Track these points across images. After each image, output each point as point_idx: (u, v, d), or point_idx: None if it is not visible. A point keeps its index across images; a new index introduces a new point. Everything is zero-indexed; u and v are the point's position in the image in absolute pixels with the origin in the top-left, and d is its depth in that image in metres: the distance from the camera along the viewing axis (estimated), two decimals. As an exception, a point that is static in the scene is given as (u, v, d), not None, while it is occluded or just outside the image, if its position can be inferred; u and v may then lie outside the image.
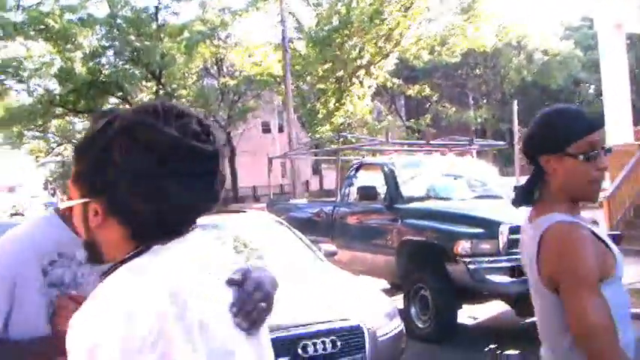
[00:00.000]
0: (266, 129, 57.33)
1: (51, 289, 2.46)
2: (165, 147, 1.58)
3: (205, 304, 1.62)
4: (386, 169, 11.20)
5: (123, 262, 1.63)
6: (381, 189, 11.00)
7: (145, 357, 1.47)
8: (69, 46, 35.79)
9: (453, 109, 51.27)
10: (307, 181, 51.84)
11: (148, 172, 1.56)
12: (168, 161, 1.58)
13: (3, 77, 38.71)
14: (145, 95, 42.73)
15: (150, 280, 1.55)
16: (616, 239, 10.33)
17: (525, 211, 2.70)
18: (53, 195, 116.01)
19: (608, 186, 19.96)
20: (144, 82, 42.52)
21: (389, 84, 35.38)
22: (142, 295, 1.52)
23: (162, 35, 39.28)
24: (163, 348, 1.49)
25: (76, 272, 2.50)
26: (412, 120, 47.41)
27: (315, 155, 26.50)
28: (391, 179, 10.94)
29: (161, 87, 41.54)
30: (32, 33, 33.88)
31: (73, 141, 69.23)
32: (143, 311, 1.49)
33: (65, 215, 2.46)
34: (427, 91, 37.54)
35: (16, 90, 43.27)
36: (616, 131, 19.35)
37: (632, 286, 11.34)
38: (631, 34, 29.39)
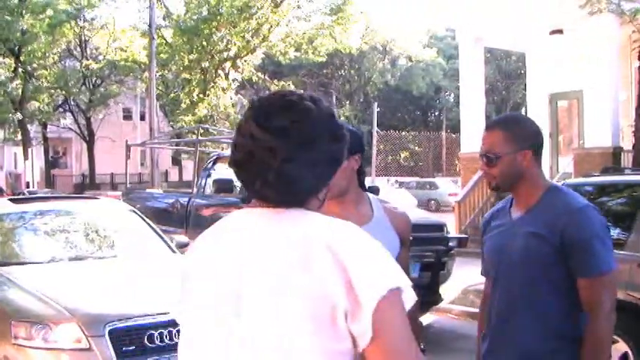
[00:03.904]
0: (127, 115, 56.31)
1: None
2: None
3: None
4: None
5: None
6: (238, 182, 10.92)
7: None
8: None
9: (316, 107, 51.69)
10: (167, 171, 51.26)
11: None
12: None
13: None
14: (1, 72, 41.14)
15: None
16: (462, 242, 10.78)
17: None
18: None
19: (459, 191, 20.73)
20: (1, 59, 40.90)
21: (254, 78, 35.38)
22: None
23: (23, 11, 37.79)
24: None
25: None
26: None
27: (176, 145, 26.17)
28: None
29: (20, 65, 40.05)
30: None
31: None
32: None
33: None
34: (291, 87, 37.77)
35: None
36: (470, 139, 20.05)
37: (479, 286, 11.77)
38: (490, 48, 30.52)
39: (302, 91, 1.92)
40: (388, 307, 1.67)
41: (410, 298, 1.77)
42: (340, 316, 1.68)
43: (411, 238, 3.24)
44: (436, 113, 62.92)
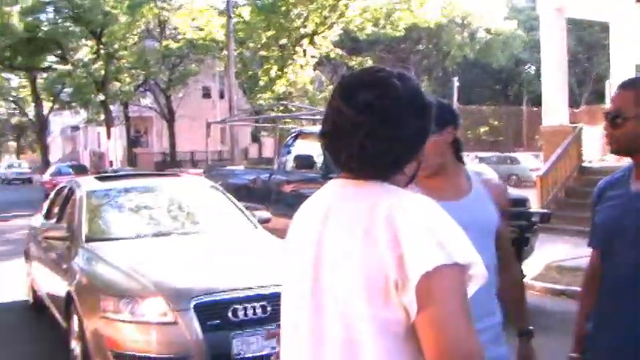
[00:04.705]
0: (207, 94, 56.86)
1: None
2: None
3: None
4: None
5: None
6: (318, 158, 10.98)
7: None
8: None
9: (395, 83, 51.38)
10: (246, 148, 51.70)
11: None
12: None
13: None
14: (84, 55, 42.00)
15: None
16: (544, 217, 10.57)
17: None
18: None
19: (541, 166, 20.37)
20: (84, 41, 41.75)
21: (332, 54, 35.34)
22: None
23: (104, -6, 38.51)
24: None
25: None
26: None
27: (256, 122, 26.38)
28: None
29: (102, 46, 40.83)
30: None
31: (9, 98, 67.79)
32: None
33: None
34: (369, 63, 37.59)
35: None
36: (552, 112, 19.66)
37: (562, 263, 11.62)
38: (572, 19, 29.82)
39: (391, 68, 1.94)
40: (435, 281, 1.69)
41: (478, 275, 1.78)
42: (392, 287, 1.73)
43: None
44: (516, 86, 61.82)
